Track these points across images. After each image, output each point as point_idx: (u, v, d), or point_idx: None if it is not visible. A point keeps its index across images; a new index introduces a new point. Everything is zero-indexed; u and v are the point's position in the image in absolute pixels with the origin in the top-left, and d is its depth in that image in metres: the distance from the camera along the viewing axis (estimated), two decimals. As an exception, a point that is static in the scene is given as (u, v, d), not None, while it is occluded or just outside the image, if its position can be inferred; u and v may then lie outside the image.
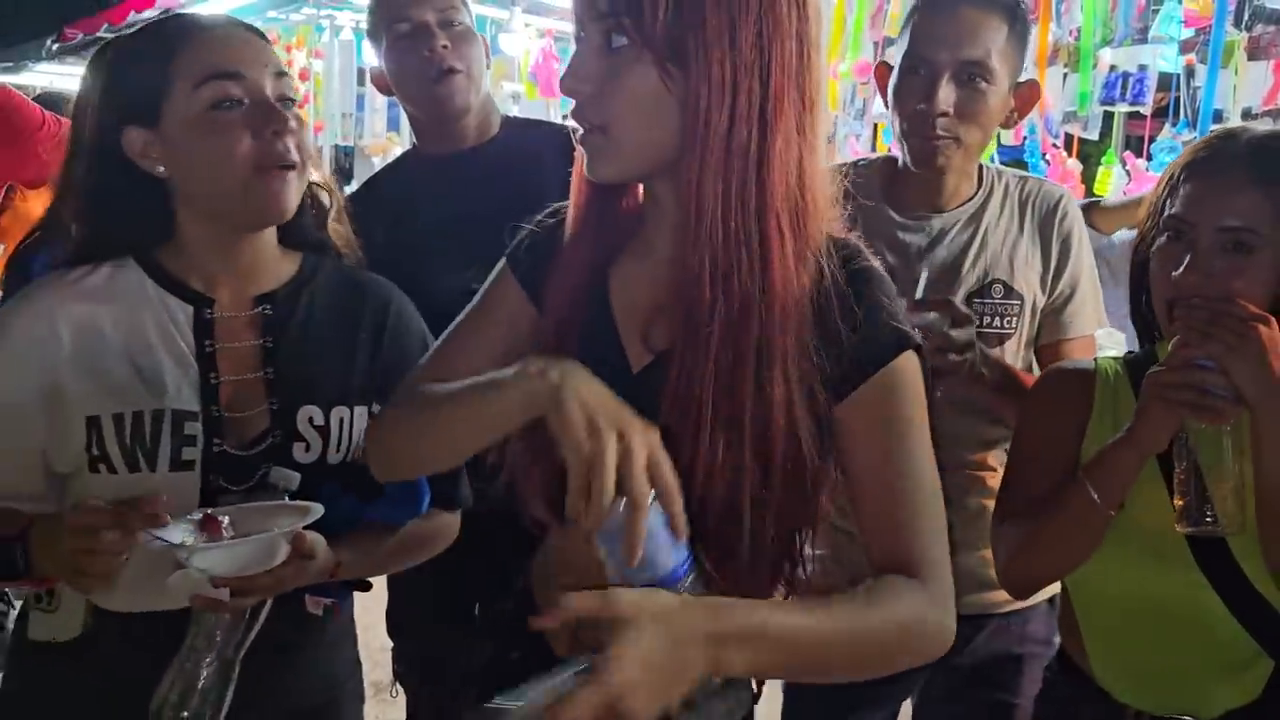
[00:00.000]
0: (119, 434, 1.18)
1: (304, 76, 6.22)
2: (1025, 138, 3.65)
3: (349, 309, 1.33)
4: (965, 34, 1.47)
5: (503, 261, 1.14)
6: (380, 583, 1.48)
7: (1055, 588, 1.52)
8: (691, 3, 0.89)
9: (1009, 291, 1.58)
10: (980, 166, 1.64)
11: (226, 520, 1.12)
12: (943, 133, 1.49)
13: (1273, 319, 1.17)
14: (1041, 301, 1.62)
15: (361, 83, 6.19)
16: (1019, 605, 1.59)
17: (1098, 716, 1.33)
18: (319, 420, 1.26)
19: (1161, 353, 1.30)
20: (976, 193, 1.61)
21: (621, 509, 0.85)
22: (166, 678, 1.13)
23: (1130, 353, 1.42)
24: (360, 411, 1.29)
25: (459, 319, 1.15)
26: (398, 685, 1.96)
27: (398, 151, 6.58)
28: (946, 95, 1.47)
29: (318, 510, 1.14)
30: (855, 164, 1.71)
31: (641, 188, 1.05)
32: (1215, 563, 1.23)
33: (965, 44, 1.47)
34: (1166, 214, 1.27)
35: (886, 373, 0.98)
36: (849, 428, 0.99)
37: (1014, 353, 1.61)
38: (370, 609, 1.66)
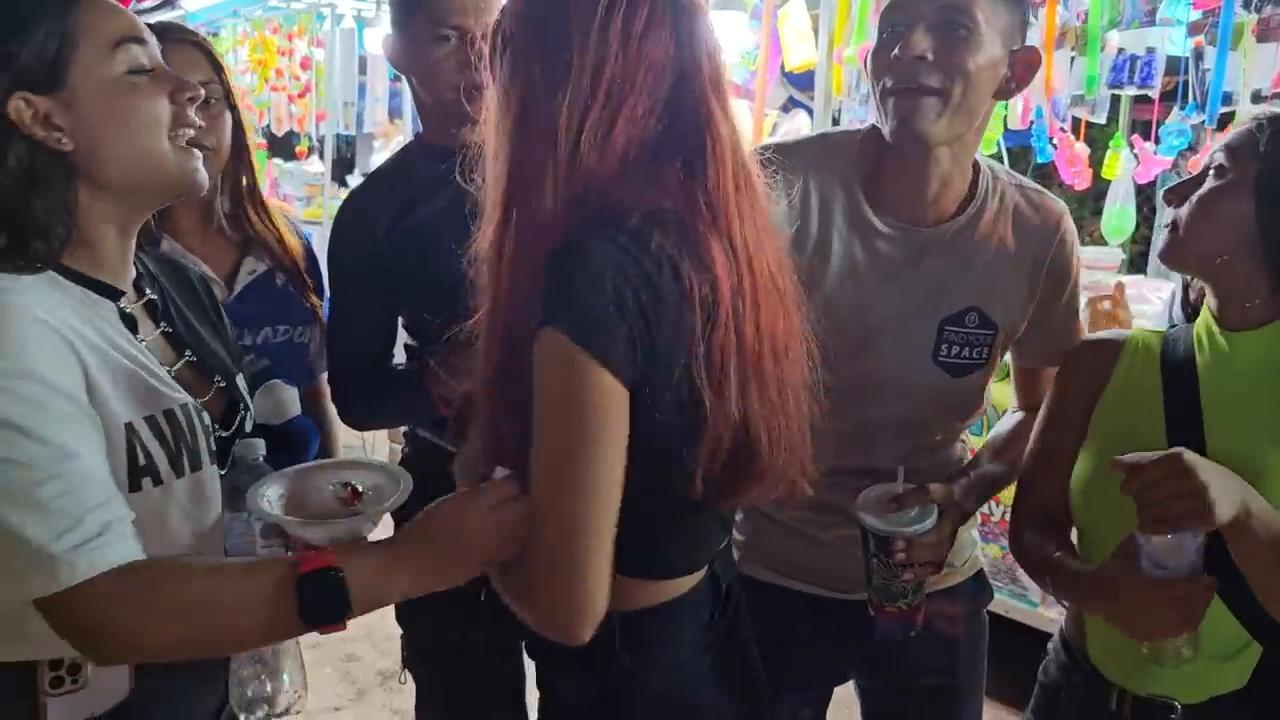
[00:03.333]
0: (159, 437, 1.09)
1: (305, 65, 6.21)
2: (1032, 122, 3.63)
3: (185, 286, 1.32)
4: None
5: None
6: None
7: (979, 562, 1.67)
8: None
9: (984, 321, 1.48)
10: (977, 172, 1.51)
11: (362, 488, 1.12)
12: (924, 81, 1.36)
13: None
14: (1020, 329, 1.54)
15: (363, 71, 6.17)
16: (946, 584, 1.58)
17: (1086, 693, 1.37)
18: (244, 389, 1.28)
19: (1197, 325, 1.32)
20: (969, 205, 1.49)
21: None
22: (239, 669, 1.14)
23: (1173, 326, 1.42)
24: (240, 378, 1.30)
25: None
26: (405, 673, 1.97)
27: (400, 139, 6.64)
28: (921, 39, 1.35)
29: (408, 479, 1.14)
30: (832, 139, 1.58)
31: None
32: (1207, 552, 1.22)
33: None
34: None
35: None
36: None
37: (975, 384, 1.53)
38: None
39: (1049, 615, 2.99)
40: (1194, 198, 1.27)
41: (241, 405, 1.25)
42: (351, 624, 1.65)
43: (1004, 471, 1.56)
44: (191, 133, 1.13)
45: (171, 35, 1.69)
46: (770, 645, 1.58)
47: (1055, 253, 1.52)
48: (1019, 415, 1.66)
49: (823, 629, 1.60)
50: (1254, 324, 1.27)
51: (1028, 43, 1.47)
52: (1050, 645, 1.50)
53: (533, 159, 1.05)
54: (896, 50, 1.38)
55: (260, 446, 1.21)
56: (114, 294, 1.14)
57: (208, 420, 1.17)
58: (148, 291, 1.20)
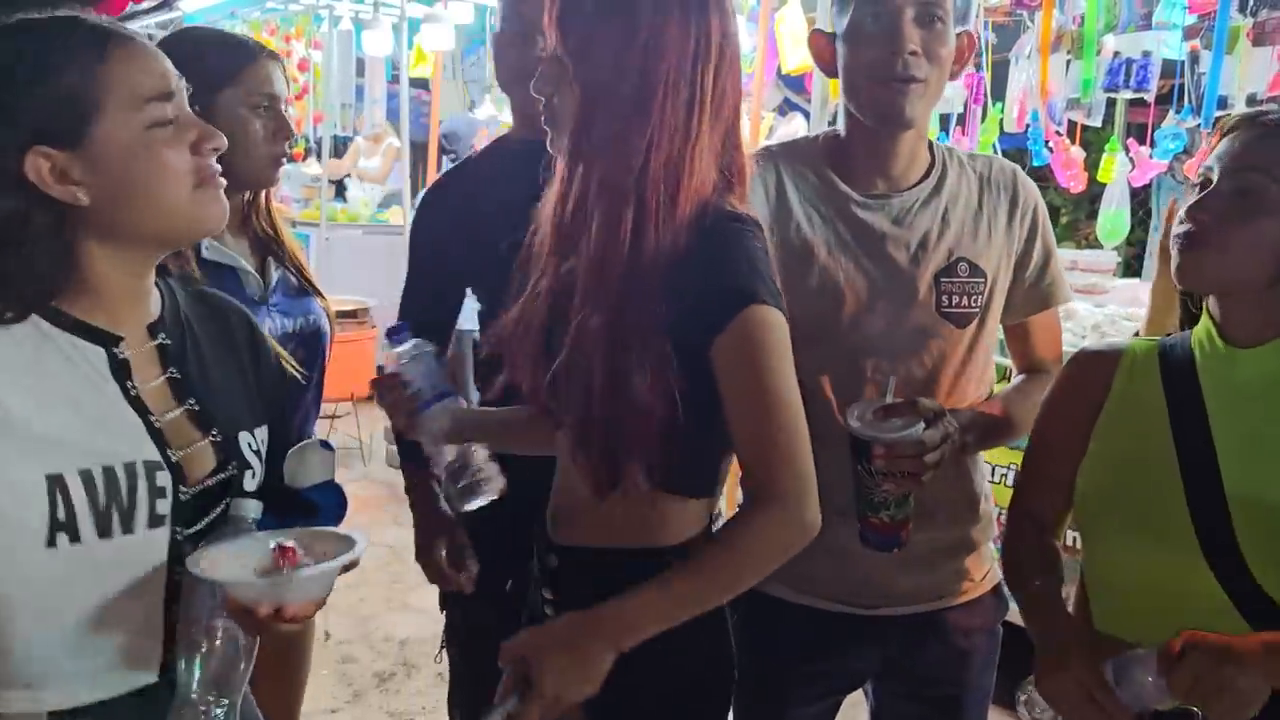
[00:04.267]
0: (89, 494, 1.04)
1: (303, 67, 6.21)
2: (1028, 125, 3.64)
3: (220, 328, 1.27)
4: None
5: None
6: (403, 566, 1.49)
7: (998, 576, 1.64)
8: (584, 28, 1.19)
9: (974, 269, 1.54)
10: (930, 143, 1.60)
11: (296, 547, 1.08)
12: (913, 74, 1.44)
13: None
14: (1005, 279, 1.59)
15: (360, 73, 6.18)
16: (964, 599, 1.59)
17: None
18: (254, 445, 1.21)
19: (1196, 334, 1.30)
20: (931, 169, 1.57)
21: None
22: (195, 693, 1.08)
23: (1169, 334, 1.41)
24: (263, 431, 1.24)
25: None
26: (442, 653, 2.03)
27: (391, 141, 6.66)
28: (912, 33, 1.43)
29: (363, 540, 1.11)
30: (793, 141, 1.67)
31: None
32: (1219, 555, 1.22)
33: None
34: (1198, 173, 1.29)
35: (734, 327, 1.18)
36: (718, 368, 1.20)
37: (978, 332, 1.57)
38: (367, 599, 1.66)
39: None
40: (1229, 216, 1.22)
41: (233, 464, 1.18)
42: (348, 626, 1.66)
43: (1005, 420, 1.57)
44: (215, 174, 1.12)
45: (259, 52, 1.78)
46: (784, 660, 1.60)
47: (1022, 196, 1.60)
48: (1021, 377, 1.69)
49: (840, 644, 1.61)
50: (1262, 339, 1.26)
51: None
52: None
53: (664, 174, 1.20)
54: (886, 47, 1.44)
55: (254, 508, 1.15)
56: (109, 339, 1.12)
57: (164, 482, 1.10)
58: (161, 335, 1.17)
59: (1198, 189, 1.27)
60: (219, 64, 1.71)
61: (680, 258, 1.19)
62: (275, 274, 1.89)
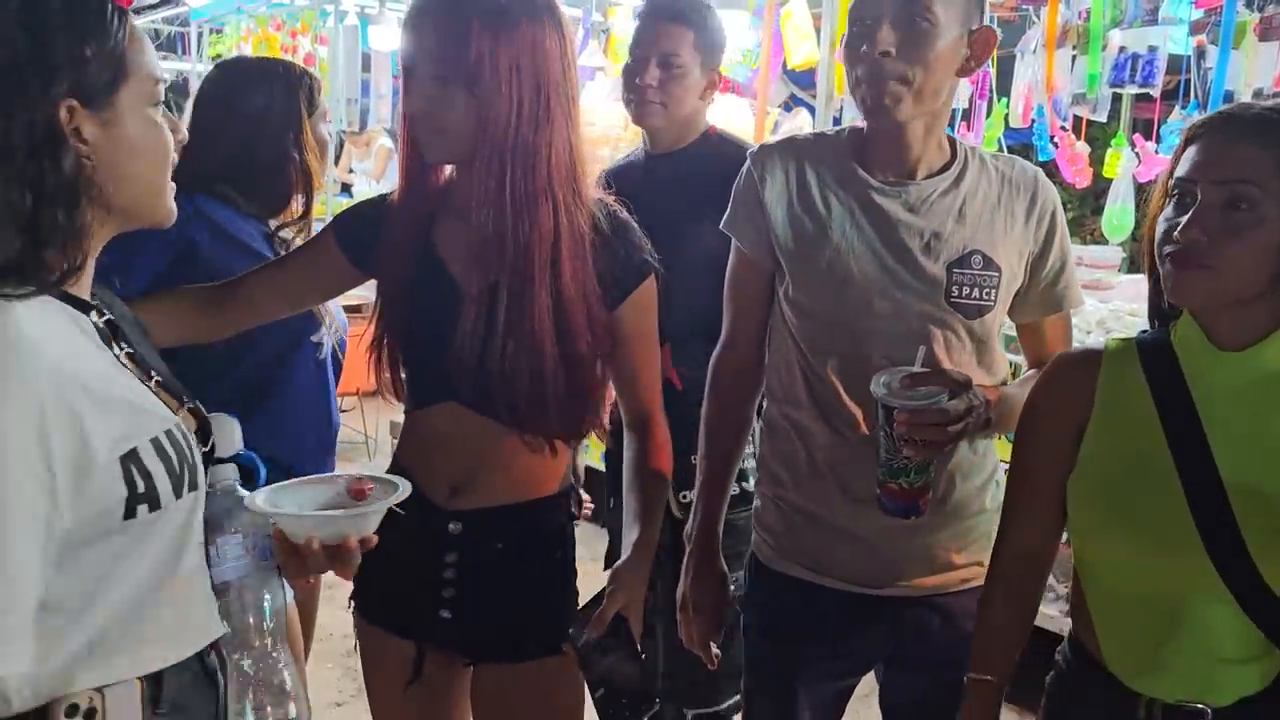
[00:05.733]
0: (163, 459, 1.05)
1: (309, 62, 6.21)
2: (1034, 120, 3.63)
3: (125, 312, 1.25)
4: None
5: (326, 226, 1.58)
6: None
7: None
8: (481, 50, 1.33)
9: (988, 263, 1.56)
10: (953, 140, 1.63)
11: (372, 486, 1.19)
12: (889, 75, 1.48)
13: None
14: (1020, 278, 1.60)
15: (366, 68, 6.18)
16: (975, 584, 1.58)
17: (1110, 703, 1.32)
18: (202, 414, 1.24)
19: (1176, 336, 1.29)
20: (952, 162, 1.60)
21: None
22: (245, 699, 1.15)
23: (1143, 332, 1.39)
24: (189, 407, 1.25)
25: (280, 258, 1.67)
26: None
27: (383, 143, 6.66)
28: (887, 36, 1.47)
29: (405, 484, 1.22)
30: (820, 132, 1.71)
31: (452, 169, 1.50)
32: (1226, 557, 1.21)
33: None
34: (1171, 179, 1.25)
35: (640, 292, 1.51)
36: (620, 329, 1.50)
37: (987, 326, 1.58)
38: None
39: (1048, 613, 2.99)
40: (1221, 235, 1.19)
41: (208, 427, 1.23)
42: (352, 620, 1.67)
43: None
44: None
45: None
46: (799, 639, 1.63)
47: (1041, 198, 1.62)
48: (1031, 371, 1.71)
49: (856, 625, 1.63)
50: (1249, 342, 1.25)
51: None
52: (1059, 653, 1.47)
53: (581, 159, 1.45)
54: (865, 46, 1.49)
55: (233, 472, 1.21)
56: (88, 308, 1.12)
57: (193, 438, 1.14)
58: (106, 312, 1.16)
59: (1176, 199, 1.23)
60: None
61: (590, 238, 1.45)
62: None
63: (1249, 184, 1.18)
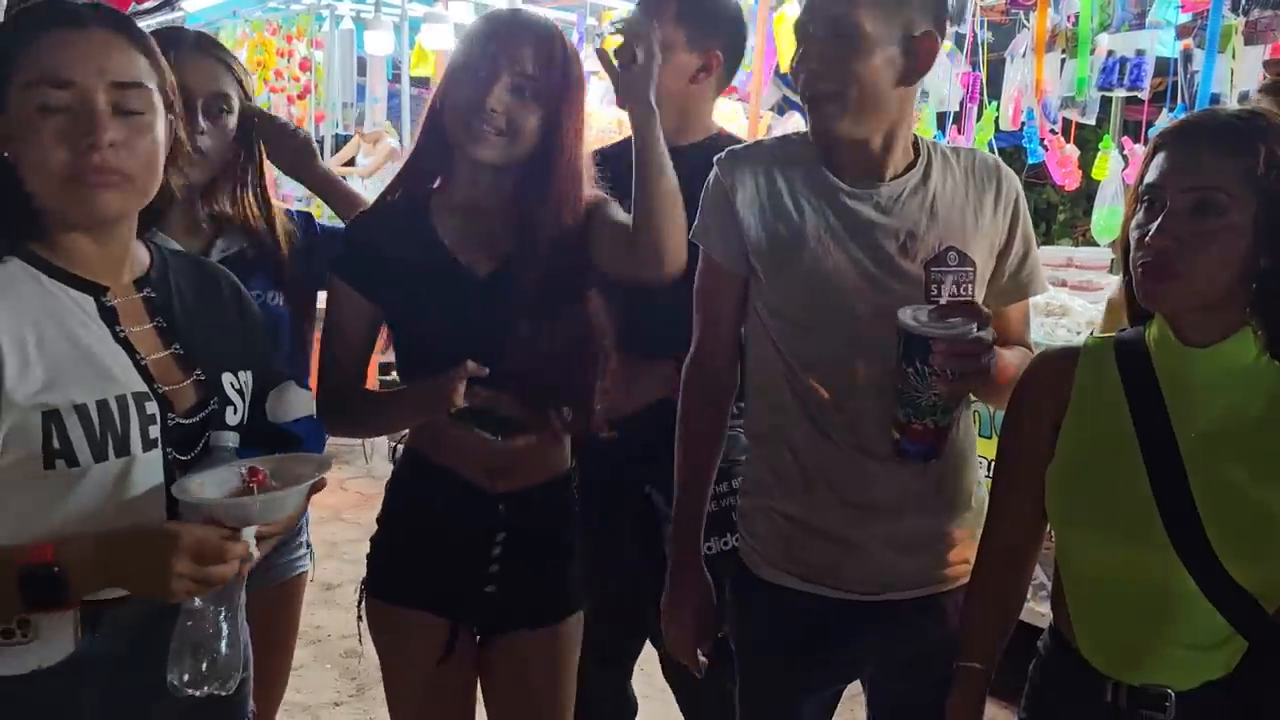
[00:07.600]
0: (84, 424, 1.16)
1: (304, 66, 6.24)
2: (1023, 123, 3.67)
3: (206, 288, 1.39)
4: None
5: (331, 273, 1.65)
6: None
7: None
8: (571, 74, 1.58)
9: (963, 258, 1.56)
10: (916, 139, 1.63)
11: (267, 470, 1.21)
12: (820, 95, 1.51)
13: None
14: (989, 268, 1.61)
15: (362, 72, 6.21)
16: (964, 580, 1.59)
17: (1081, 687, 1.36)
18: (237, 385, 1.34)
19: (1150, 333, 1.32)
20: (916, 160, 1.61)
21: None
22: (176, 645, 1.18)
23: (1123, 330, 1.42)
24: (246, 375, 1.36)
25: (324, 328, 1.66)
26: None
27: (389, 141, 6.68)
28: (812, 51, 1.50)
29: (329, 460, 1.27)
30: (785, 136, 1.71)
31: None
32: (1189, 547, 1.25)
33: (824, 3, 1.51)
34: (1141, 185, 1.28)
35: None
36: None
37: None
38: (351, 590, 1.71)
39: (1039, 610, 3.01)
40: (1190, 242, 1.21)
41: (214, 399, 1.30)
42: (351, 620, 1.69)
43: (1010, 367, 1.57)
44: (92, 173, 1.17)
45: (191, 46, 1.75)
46: (791, 648, 1.63)
47: (1004, 187, 1.63)
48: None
49: (848, 632, 1.63)
50: (1216, 339, 1.27)
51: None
52: (1040, 643, 1.50)
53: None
54: (798, 65, 1.53)
55: (232, 439, 1.26)
56: (96, 289, 1.22)
57: (152, 410, 1.22)
58: (148, 290, 1.28)
59: (1146, 206, 1.26)
60: None
61: (582, 227, 1.58)
62: (217, 256, 1.87)
63: (1216, 190, 1.20)
